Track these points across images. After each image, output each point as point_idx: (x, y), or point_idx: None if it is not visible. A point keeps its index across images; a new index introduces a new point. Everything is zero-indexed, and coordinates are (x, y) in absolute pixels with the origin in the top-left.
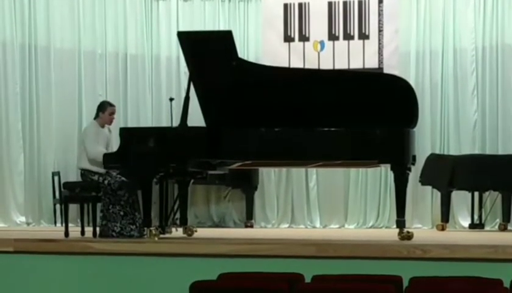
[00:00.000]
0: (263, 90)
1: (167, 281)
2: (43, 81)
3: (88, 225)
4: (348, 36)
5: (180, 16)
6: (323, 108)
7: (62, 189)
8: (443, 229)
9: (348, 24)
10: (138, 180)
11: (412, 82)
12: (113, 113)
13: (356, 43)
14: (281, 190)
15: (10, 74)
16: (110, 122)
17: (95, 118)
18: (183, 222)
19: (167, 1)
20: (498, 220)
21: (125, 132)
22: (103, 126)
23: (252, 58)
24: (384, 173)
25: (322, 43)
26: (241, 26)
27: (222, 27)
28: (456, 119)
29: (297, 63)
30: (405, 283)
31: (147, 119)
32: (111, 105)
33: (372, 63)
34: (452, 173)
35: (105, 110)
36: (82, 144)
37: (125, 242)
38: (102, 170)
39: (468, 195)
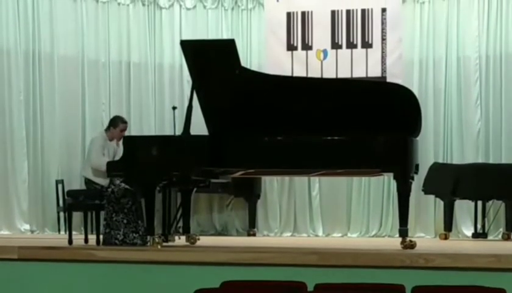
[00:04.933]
0: (265, 99)
1: (170, 289)
2: (47, 89)
3: (92, 233)
4: (351, 45)
5: (183, 24)
6: (326, 117)
7: (66, 197)
8: (446, 238)
9: (351, 33)
10: (141, 188)
11: (415, 91)
12: (124, 130)
13: (359, 51)
14: (283, 199)
15: (14, 81)
16: (119, 139)
17: (106, 130)
18: (186, 230)
19: (170, 9)
20: (501, 229)
21: (128, 141)
22: (111, 140)
23: (254, 67)
24: (387, 182)
25: (325, 52)
26: (243, 35)
27: (225, 35)
28: (459, 128)
29: (300, 72)
30: (408, 292)
31: (150, 127)
32: (123, 122)
33: (375, 71)
34: (455, 182)
35: (116, 126)
36: (88, 153)
37: (128, 250)
38: (103, 182)
39: (471, 204)
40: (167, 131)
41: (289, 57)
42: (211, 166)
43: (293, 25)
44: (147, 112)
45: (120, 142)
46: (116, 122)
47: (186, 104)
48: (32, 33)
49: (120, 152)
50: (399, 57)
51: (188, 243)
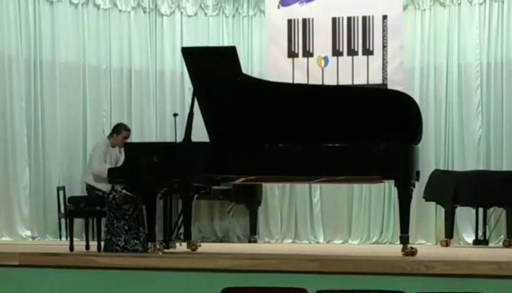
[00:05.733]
0: (266, 106)
1: None
2: (48, 96)
3: (93, 239)
4: (352, 52)
5: (184, 31)
6: (327, 124)
7: (67, 203)
8: (447, 245)
9: (352, 40)
10: (142, 195)
11: (416, 98)
12: (126, 137)
13: (360, 58)
14: (284, 206)
15: (16, 88)
16: (122, 146)
17: (108, 137)
18: (187, 237)
19: (172, 16)
20: (502, 237)
21: (129, 147)
22: (114, 146)
23: (255, 74)
24: (388, 189)
25: (326, 59)
26: (245, 42)
27: (226, 42)
28: (460, 135)
29: (301, 79)
30: None
31: (151, 134)
32: (126, 129)
33: (376, 79)
34: (456, 189)
35: (119, 133)
36: (90, 159)
37: (129, 257)
38: (105, 188)
39: (472, 211)
40: (169, 138)
41: (290, 64)
42: (212, 173)
43: (294, 32)
44: (148, 118)
45: (123, 149)
46: (119, 130)
47: (187, 110)
48: (33, 40)
49: (122, 159)
50: (400, 64)
51: (189, 250)
